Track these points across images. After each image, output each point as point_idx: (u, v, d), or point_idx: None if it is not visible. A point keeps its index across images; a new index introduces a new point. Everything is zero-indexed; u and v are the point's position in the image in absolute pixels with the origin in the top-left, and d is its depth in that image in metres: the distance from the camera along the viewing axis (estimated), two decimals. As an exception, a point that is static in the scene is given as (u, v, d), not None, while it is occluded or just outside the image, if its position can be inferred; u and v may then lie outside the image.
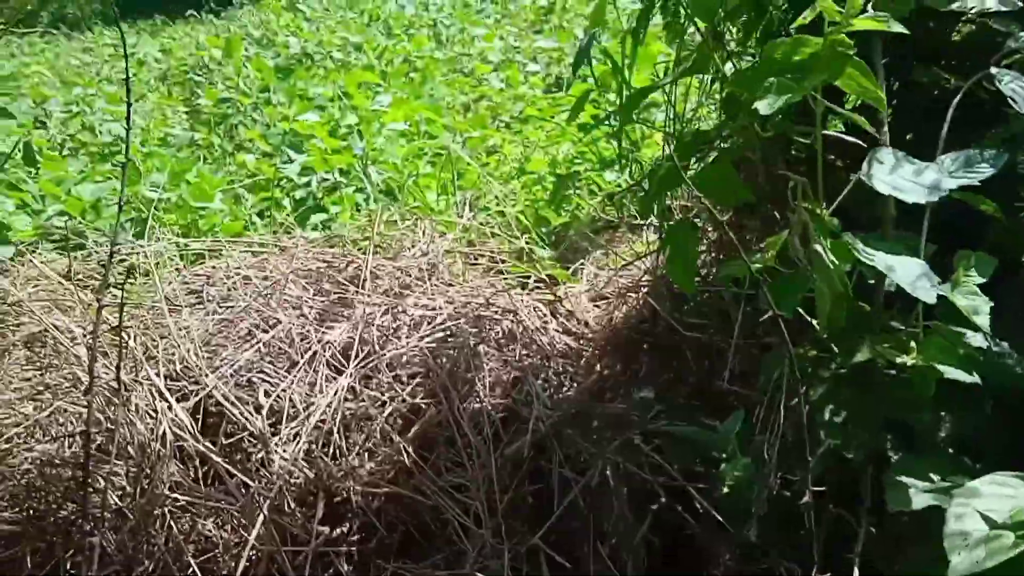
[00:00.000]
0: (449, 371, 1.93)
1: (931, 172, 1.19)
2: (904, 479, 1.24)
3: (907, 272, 1.14)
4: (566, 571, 1.71)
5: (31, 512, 1.54)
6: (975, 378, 1.23)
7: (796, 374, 1.26)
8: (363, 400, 1.88)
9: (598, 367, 2.04)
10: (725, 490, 1.44)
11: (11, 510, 1.52)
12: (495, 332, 2.17)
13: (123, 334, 1.65)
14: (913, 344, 1.25)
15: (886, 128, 1.33)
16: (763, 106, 1.15)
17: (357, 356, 1.94)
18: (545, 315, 2.36)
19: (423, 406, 1.89)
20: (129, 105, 1.59)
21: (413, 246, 2.50)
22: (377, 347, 1.99)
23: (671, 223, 1.72)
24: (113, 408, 1.57)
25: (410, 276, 2.35)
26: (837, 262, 1.19)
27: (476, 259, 2.57)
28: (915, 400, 1.32)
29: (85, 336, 1.71)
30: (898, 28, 1.11)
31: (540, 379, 1.97)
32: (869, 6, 1.37)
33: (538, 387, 1.93)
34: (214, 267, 2.26)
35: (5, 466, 1.56)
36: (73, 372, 1.66)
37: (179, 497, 1.62)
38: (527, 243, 2.69)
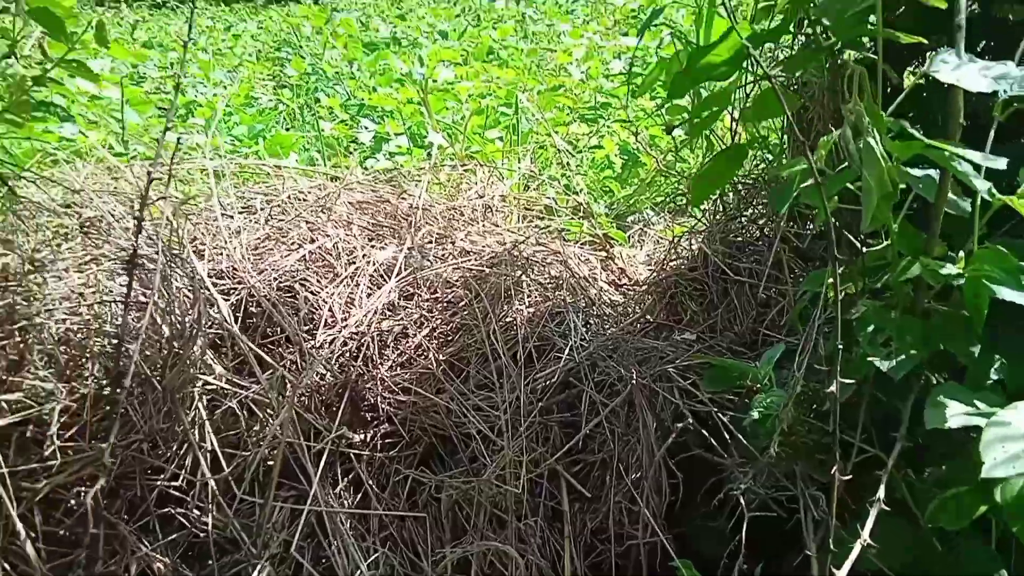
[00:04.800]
0: (490, 296, 1.91)
1: (999, 67, 1.12)
2: (946, 400, 1.16)
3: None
4: (586, 499, 1.66)
5: (65, 376, 1.58)
6: (1032, 299, 1.14)
7: (836, 290, 1.19)
8: (400, 316, 1.88)
9: (639, 310, 1.99)
10: (754, 415, 1.38)
11: (46, 370, 1.56)
12: (542, 275, 2.14)
13: (172, 221, 1.69)
14: (961, 254, 1.17)
15: (963, 28, 1.24)
16: (817, -7, 1.10)
17: (399, 274, 1.94)
18: (595, 267, 2.33)
19: (460, 327, 1.87)
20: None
21: (470, 189, 2.49)
22: (421, 268, 1.98)
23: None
24: (155, 284, 1.59)
25: (463, 215, 2.34)
26: (888, 158, 1.12)
27: (531, 208, 2.55)
28: (965, 332, 1.24)
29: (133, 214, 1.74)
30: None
31: (581, 315, 1.93)
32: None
33: (578, 321, 1.89)
34: (271, 186, 2.29)
35: (47, 333, 1.60)
36: (123, 247, 1.70)
37: (210, 381, 1.64)
38: (585, 200, 2.66)
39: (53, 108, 1.86)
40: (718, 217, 2.03)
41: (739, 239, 1.95)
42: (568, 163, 2.94)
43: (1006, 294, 1.15)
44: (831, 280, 1.18)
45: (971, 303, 1.18)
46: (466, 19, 7.51)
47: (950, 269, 1.17)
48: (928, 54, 1.17)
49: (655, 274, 2.12)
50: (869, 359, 1.23)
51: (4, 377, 1.55)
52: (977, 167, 1.12)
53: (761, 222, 1.96)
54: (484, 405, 1.72)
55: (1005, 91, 1.08)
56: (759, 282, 1.81)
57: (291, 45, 6.78)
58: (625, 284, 2.34)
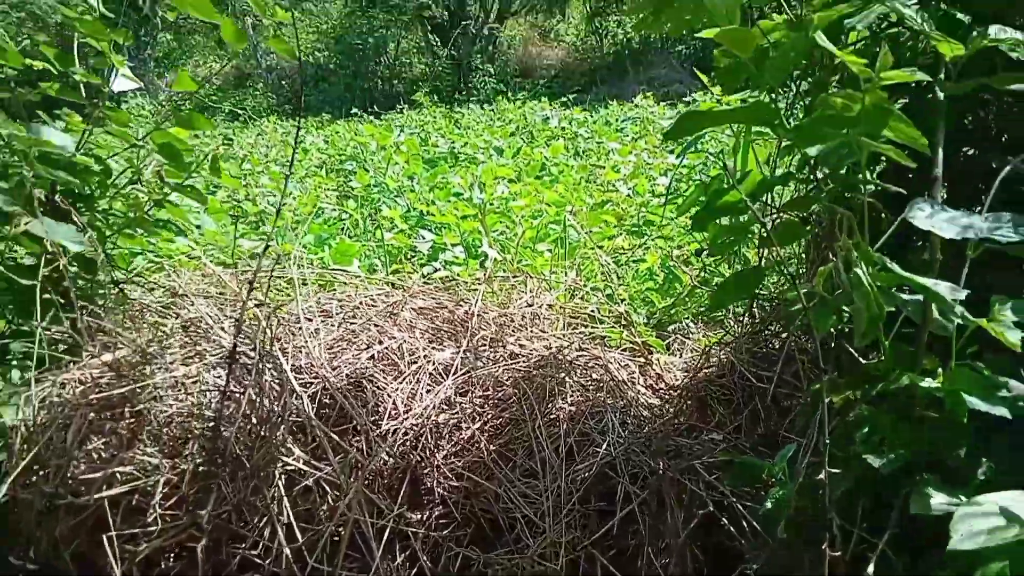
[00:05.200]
0: (536, 395, 2.14)
1: (966, 217, 1.34)
2: (932, 491, 1.33)
3: (937, 287, 1.27)
4: (619, 583, 1.83)
5: (167, 453, 1.83)
6: (1000, 411, 1.31)
7: (824, 394, 1.39)
8: (456, 411, 2.11)
9: (672, 411, 2.19)
10: (768, 505, 1.56)
11: (153, 447, 1.81)
12: (584, 378, 2.36)
13: (264, 323, 1.96)
14: (940, 371, 1.36)
15: (940, 180, 1.48)
16: (812, 150, 1.35)
17: (455, 373, 2.17)
18: (634, 372, 2.54)
19: (509, 422, 2.09)
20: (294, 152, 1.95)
21: (520, 298, 2.75)
22: (475, 369, 2.22)
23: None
24: (248, 375, 1.86)
25: (513, 321, 2.59)
26: (874, 285, 1.34)
27: (576, 317, 2.79)
28: (952, 435, 1.42)
29: (232, 318, 2.03)
30: (922, 76, 1.29)
31: (619, 414, 2.14)
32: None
33: (615, 420, 2.10)
34: (344, 293, 2.58)
35: (155, 416, 1.87)
36: (220, 344, 1.97)
37: (290, 462, 1.87)
38: (626, 310, 2.89)
39: (170, 225, 2.19)
40: (744, 330, 2.25)
41: (763, 350, 2.16)
42: (611, 275, 3.19)
43: (977, 405, 1.34)
44: (818, 388, 1.39)
45: (953, 409, 1.37)
46: (520, 137, 7.97)
47: (930, 383, 1.36)
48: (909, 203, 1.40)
49: (688, 379, 2.32)
50: (864, 457, 1.41)
51: (117, 453, 1.81)
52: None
53: (783, 335, 2.17)
54: (529, 492, 1.92)
55: (974, 237, 1.30)
56: (779, 389, 2.01)
57: (356, 159, 7.29)
58: (662, 389, 2.54)
